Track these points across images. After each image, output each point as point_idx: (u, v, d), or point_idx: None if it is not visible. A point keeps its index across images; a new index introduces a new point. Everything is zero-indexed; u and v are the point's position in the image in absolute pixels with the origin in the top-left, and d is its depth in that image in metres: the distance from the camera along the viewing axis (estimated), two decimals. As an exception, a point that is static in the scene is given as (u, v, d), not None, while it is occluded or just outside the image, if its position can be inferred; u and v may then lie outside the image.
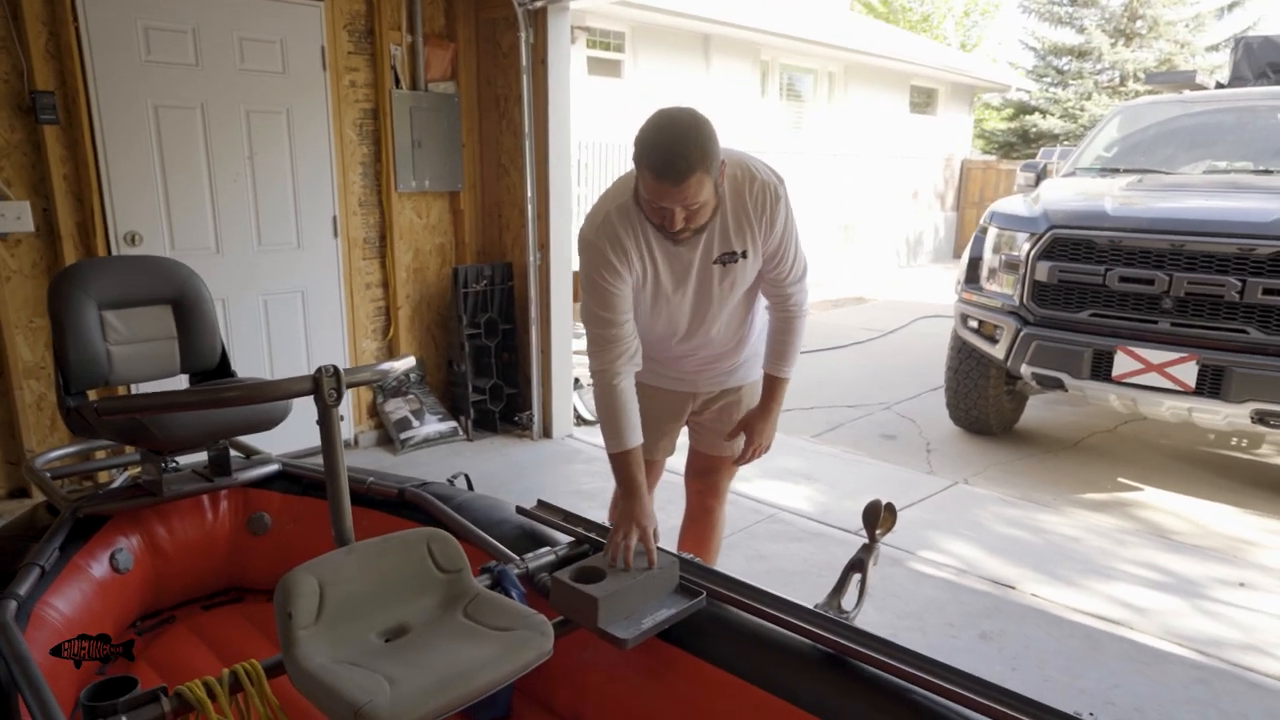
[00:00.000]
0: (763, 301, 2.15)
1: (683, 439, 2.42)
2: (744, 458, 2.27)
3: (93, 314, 2.14)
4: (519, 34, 4.22)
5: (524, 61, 4.26)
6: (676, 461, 2.45)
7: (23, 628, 1.61)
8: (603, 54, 8.43)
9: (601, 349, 1.91)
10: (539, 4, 4.14)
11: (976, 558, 3.27)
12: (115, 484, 2.33)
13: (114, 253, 3.53)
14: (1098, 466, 4.46)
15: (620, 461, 1.90)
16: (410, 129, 4.33)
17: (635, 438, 1.91)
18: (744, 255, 1.92)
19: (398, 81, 4.30)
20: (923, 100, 13.43)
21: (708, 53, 9.35)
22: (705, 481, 2.43)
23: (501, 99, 4.54)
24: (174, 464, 2.26)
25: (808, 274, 2.09)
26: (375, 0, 4.13)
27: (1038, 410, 5.32)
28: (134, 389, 3.27)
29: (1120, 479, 4.28)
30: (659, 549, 1.78)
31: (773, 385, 2.17)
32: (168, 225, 3.69)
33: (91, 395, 2.23)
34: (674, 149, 1.63)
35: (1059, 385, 4.03)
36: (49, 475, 2.27)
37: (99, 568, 2.03)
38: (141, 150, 3.56)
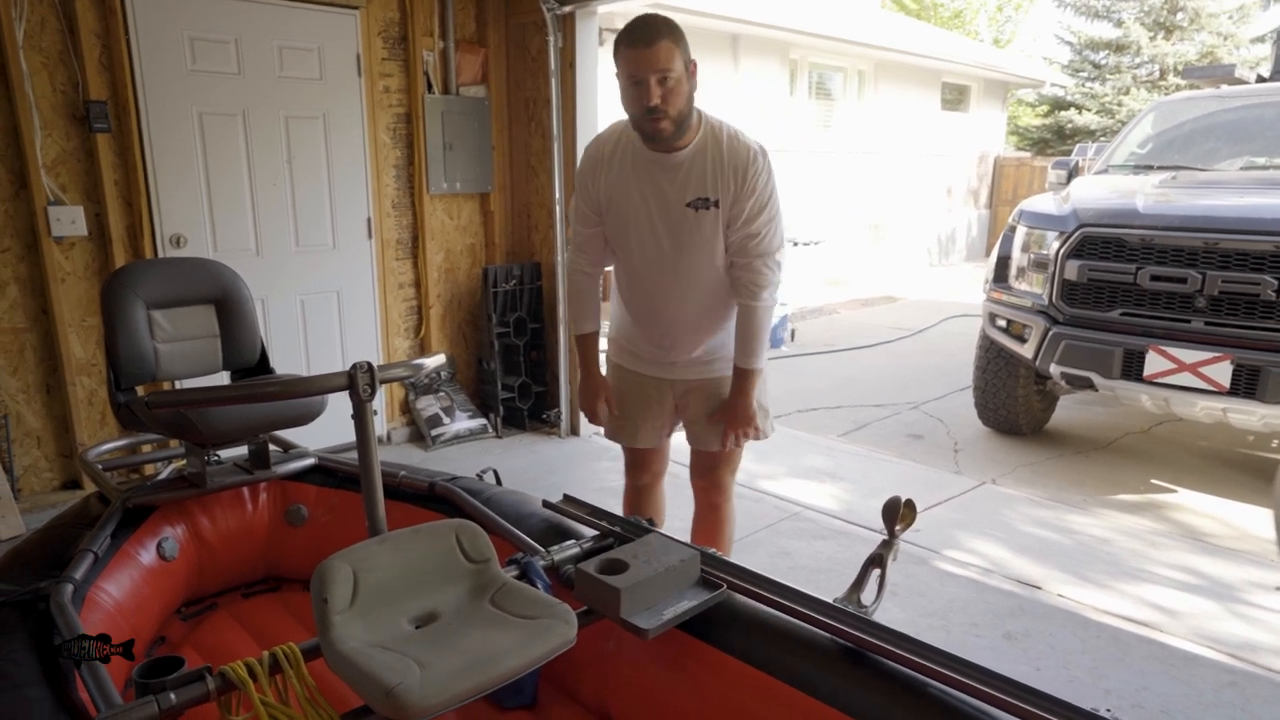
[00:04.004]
0: None
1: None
2: (724, 447, 2.34)
3: (141, 313, 2.24)
4: (548, 38, 4.29)
5: (552, 65, 4.33)
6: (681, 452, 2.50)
7: (78, 609, 1.70)
8: (632, 55, 8.46)
9: (577, 248, 2.29)
10: (567, 9, 4.21)
11: (1003, 557, 3.27)
12: (162, 476, 2.43)
13: (160, 254, 3.66)
14: (1130, 468, 4.42)
15: (579, 343, 2.35)
16: (442, 132, 4.42)
17: (591, 325, 2.33)
18: (715, 205, 2.08)
19: (430, 86, 4.39)
20: (955, 97, 13.28)
21: (736, 52, 9.35)
22: (708, 479, 2.48)
23: (530, 102, 4.61)
24: (216, 457, 2.36)
25: (780, 267, 2.18)
26: (409, 7, 4.23)
27: (1069, 410, 5.26)
28: (179, 385, 3.40)
29: (1153, 480, 4.24)
30: (680, 541, 1.82)
31: (737, 376, 2.25)
32: (211, 228, 3.81)
33: (140, 391, 2.33)
34: (645, 20, 1.95)
35: (1089, 385, 3.99)
36: (100, 467, 2.37)
37: (147, 555, 2.12)
38: (186, 156, 3.69)
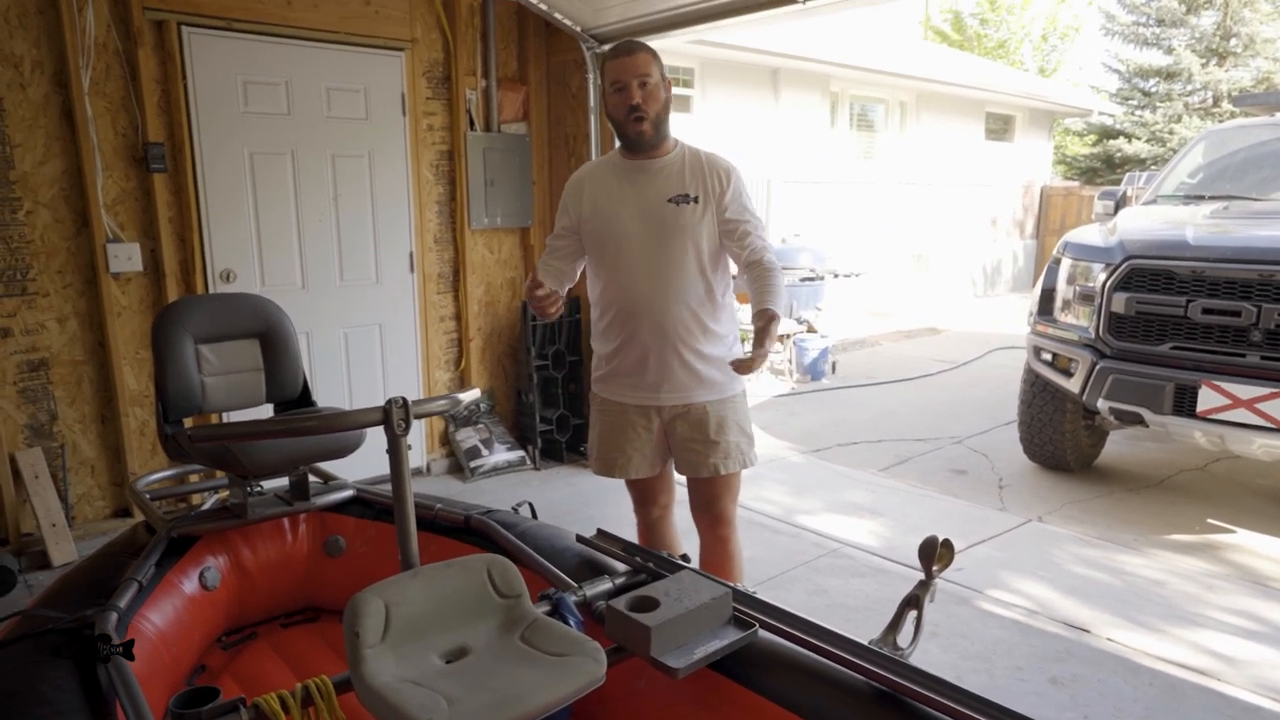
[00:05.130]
0: (729, 312, 2.39)
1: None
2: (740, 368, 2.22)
3: (189, 348, 2.32)
4: (587, 75, 4.37)
5: (591, 102, 4.41)
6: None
7: (121, 637, 1.74)
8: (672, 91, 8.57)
9: (546, 252, 2.43)
10: (606, 47, 4.29)
11: (1049, 598, 3.16)
12: (205, 506, 2.49)
13: (211, 289, 3.78)
14: (1185, 506, 4.26)
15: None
16: (483, 168, 4.52)
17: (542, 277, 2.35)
18: (695, 200, 2.28)
19: (472, 124, 4.50)
20: (999, 127, 13.17)
21: (777, 85, 9.41)
22: (711, 512, 2.48)
23: (570, 138, 4.69)
24: (258, 488, 2.41)
25: (770, 245, 2.36)
26: (453, 48, 4.36)
27: (1119, 446, 5.11)
28: (224, 417, 3.49)
29: (1210, 520, 4.08)
30: (712, 579, 1.81)
31: (759, 317, 2.18)
32: (259, 263, 3.94)
33: (187, 423, 2.40)
34: (628, 40, 2.30)
35: (1139, 421, 3.88)
36: (148, 496, 2.44)
37: (189, 584, 2.17)
38: (237, 194, 3.83)
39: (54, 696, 1.52)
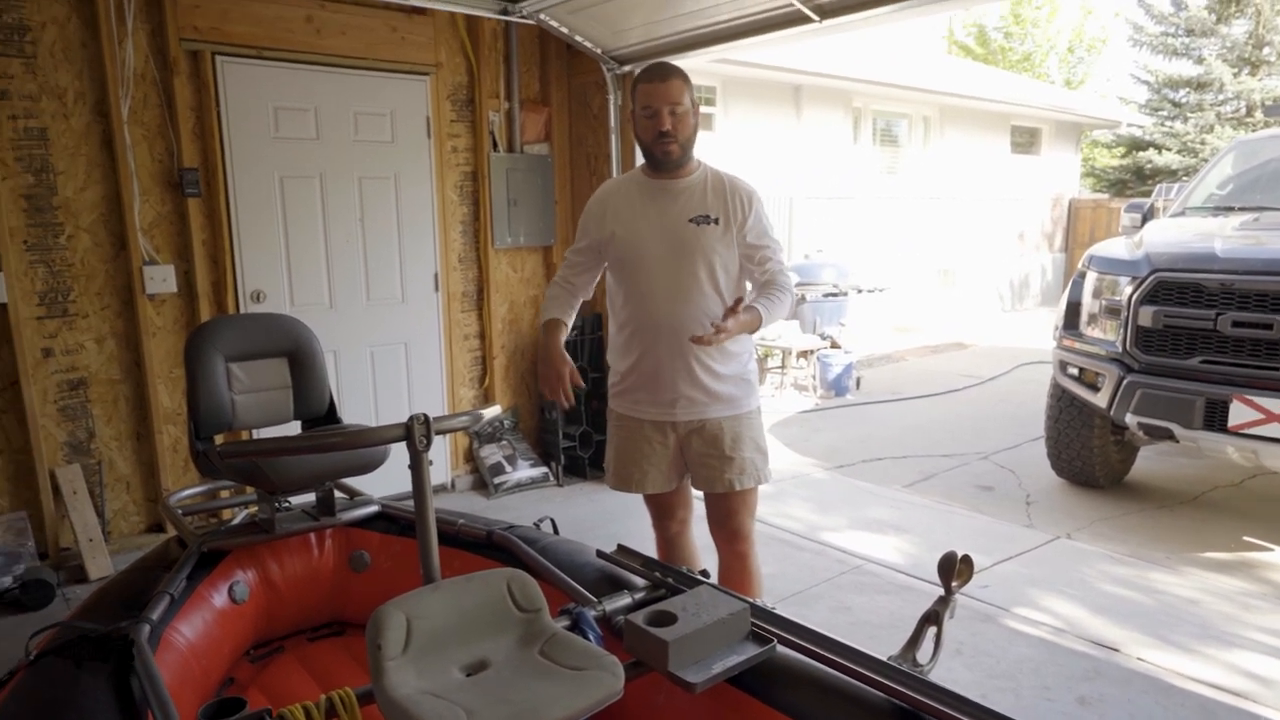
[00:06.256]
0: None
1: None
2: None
3: (220, 366, 2.38)
4: (608, 96, 4.44)
5: (612, 122, 4.46)
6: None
7: (154, 649, 1.79)
8: (694, 108, 8.63)
9: (564, 268, 2.50)
10: (627, 68, 4.35)
11: (1078, 617, 3.12)
12: (235, 521, 2.55)
13: (242, 309, 3.87)
14: (1220, 523, 4.17)
15: (544, 329, 2.44)
16: (506, 189, 4.59)
17: (556, 312, 2.45)
18: (715, 221, 2.32)
19: (495, 145, 4.58)
20: (1025, 140, 13.07)
21: (799, 102, 9.44)
22: (728, 528, 2.49)
23: (592, 157, 4.75)
24: (286, 504, 2.46)
25: (787, 270, 2.41)
26: (477, 71, 4.44)
27: (1150, 462, 5.02)
28: (254, 434, 3.56)
29: (1246, 538, 3.99)
30: (731, 594, 1.81)
31: (747, 308, 2.24)
32: (288, 283, 4.02)
33: (218, 439, 2.46)
34: (658, 64, 2.31)
35: (1169, 436, 3.82)
36: (180, 512, 2.50)
37: (219, 598, 2.22)
38: (268, 216, 3.92)
39: (89, 705, 1.57)
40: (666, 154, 2.28)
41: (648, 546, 2.31)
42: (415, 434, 1.69)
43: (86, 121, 3.49)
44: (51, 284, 3.50)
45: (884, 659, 1.63)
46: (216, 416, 2.36)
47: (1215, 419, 3.62)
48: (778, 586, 3.31)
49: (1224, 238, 3.92)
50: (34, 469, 3.50)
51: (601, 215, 2.41)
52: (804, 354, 7.24)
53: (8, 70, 3.31)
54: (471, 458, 4.75)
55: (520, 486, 4.66)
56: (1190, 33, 15.86)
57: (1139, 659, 2.83)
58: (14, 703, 1.63)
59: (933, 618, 1.73)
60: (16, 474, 3.50)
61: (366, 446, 2.01)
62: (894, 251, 10.55)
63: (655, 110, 2.24)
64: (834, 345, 7.27)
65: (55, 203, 3.47)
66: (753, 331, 2.29)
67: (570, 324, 2.49)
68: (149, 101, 3.60)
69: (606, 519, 4.22)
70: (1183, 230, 4.33)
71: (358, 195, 4.17)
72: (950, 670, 2.64)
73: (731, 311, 2.15)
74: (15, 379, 3.42)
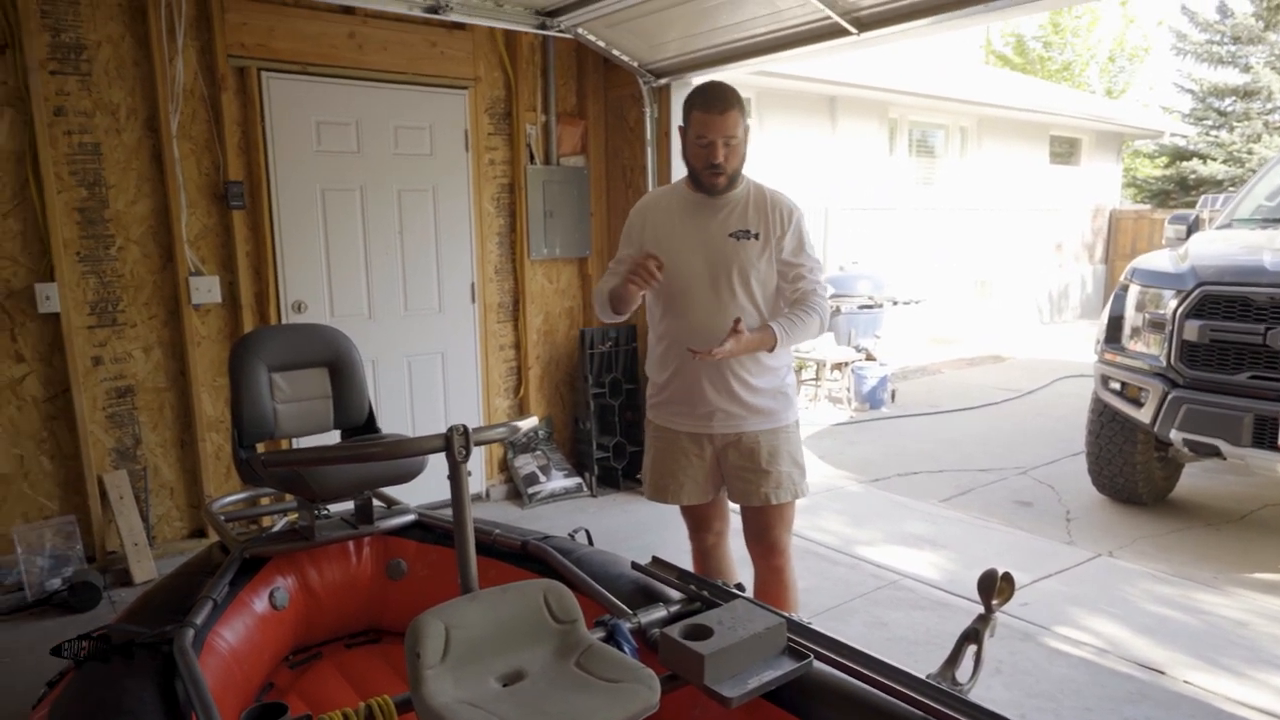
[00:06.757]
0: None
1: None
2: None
3: (263, 376, 2.43)
4: (644, 109, 4.46)
5: (648, 135, 4.49)
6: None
7: (197, 653, 1.82)
8: (728, 120, 8.63)
9: (605, 277, 2.45)
10: (663, 81, 4.38)
11: (1121, 637, 3.04)
12: (276, 528, 2.59)
13: (284, 319, 3.95)
14: (1270, 543, 4.05)
15: (607, 289, 2.37)
16: (543, 201, 4.63)
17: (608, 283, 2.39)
18: (755, 236, 2.33)
19: (532, 157, 4.62)
20: (1065, 150, 12.86)
21: (834, 113, 9.40)
22: (764, 542, 2.48)
23: (628, 170, 4.78)
24: (325, 512, 2.50)
25: (825, 289, 2.42)
26: (514, 85, 4.50)
27: (1196, 479, 4.90)
28: (294, 442, 3.62)
29: (1298, 558, 3.88)
30: (767, 608, 1.80)
31: (762, 328, 2.29)
32: (329, 294, 4.10)
33: (260, 448, 2.51)
34: (717, 90, 2.25)
35: (1215, 453, 3.72)
36: (223, 518, 2.55)
37: (260, 604, 2.26)
38: (310, 228, 4.00)
39: (135, 707, 1.60)
40: (714, 184, 2.31)
41: (682, 559, 2.30)
42: (455, 445, 1.70)
43: (138, 137, 3.60)
44: (102, 294, 3.60)
45: (923, 677, 1.61)
46: (259, 425, 2.41)
47: (1265, 436, 3.52)
48: (812, 601, 3.28)
49: (1273, 250, 3.82)
50: (83, 474, 3.59)
51: (641, 226, 2.44)
52: (838, 366, 7.18)
53: (64, 88, 3.43)
54: (506, 467, 4.78)
55: (554, 497, 4.68)
56: (1237, 40, 15.51)
57: (1186, 682, 2.75)
58: (64, 704, 1.68)
59: (973, 636, 1.70)
60: (66, 479, 3.60)
61: (406, 456, 2.03)
62: (930, 263, 10.44)
63: (710, 141, 2.24)
64: (869, 357, 7.21)
65: (107, 215, 3.57)
66: (769, 350, 2.29)
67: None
68: (197, 117, 3.70)
69: (640, 530, 4.22)
70: (1229, 242, 4.23)
71: (397, 207, 4.24)
72: (989, 689, 2.59)
73: (733, 332, 2.16)
74: (66, 386, 3.52)
